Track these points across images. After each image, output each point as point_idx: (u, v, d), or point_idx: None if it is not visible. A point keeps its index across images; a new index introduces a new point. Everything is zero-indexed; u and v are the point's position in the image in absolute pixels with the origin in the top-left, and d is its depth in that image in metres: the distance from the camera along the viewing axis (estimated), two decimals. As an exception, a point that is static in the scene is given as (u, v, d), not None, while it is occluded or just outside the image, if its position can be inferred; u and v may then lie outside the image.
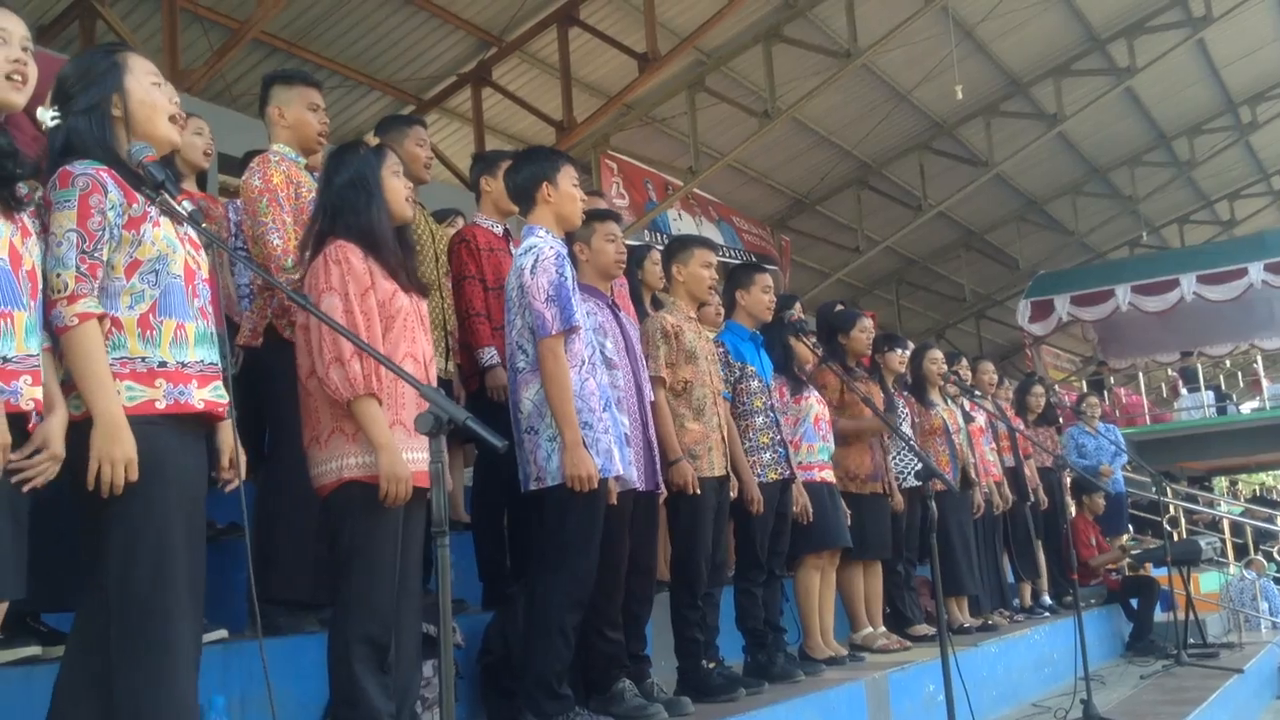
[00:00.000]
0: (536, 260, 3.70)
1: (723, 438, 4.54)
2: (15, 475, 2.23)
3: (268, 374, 3.73)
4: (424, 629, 3.36)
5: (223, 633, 3.53)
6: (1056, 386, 15.45)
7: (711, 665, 4.43)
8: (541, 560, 3.74)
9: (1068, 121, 16.07)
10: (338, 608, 3.03)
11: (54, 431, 2.30)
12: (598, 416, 3.69)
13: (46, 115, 2.53)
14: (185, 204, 2.43)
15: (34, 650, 3.04)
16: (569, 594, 3.64)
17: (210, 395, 2.55)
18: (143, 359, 2.44)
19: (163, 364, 2.47)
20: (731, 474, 4.64)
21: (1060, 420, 9.41)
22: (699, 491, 4.35)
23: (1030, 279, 17.80)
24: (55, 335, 2.38)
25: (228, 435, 2.66)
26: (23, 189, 2.34)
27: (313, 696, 3.32)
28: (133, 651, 2.35)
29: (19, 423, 2.26)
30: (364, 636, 2.94)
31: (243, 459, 2.68)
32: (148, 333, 2.46)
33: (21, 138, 2.54)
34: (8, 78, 2.36)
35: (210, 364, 2.56)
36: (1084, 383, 18.30)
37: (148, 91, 2.59)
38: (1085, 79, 15.79)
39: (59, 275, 2.38)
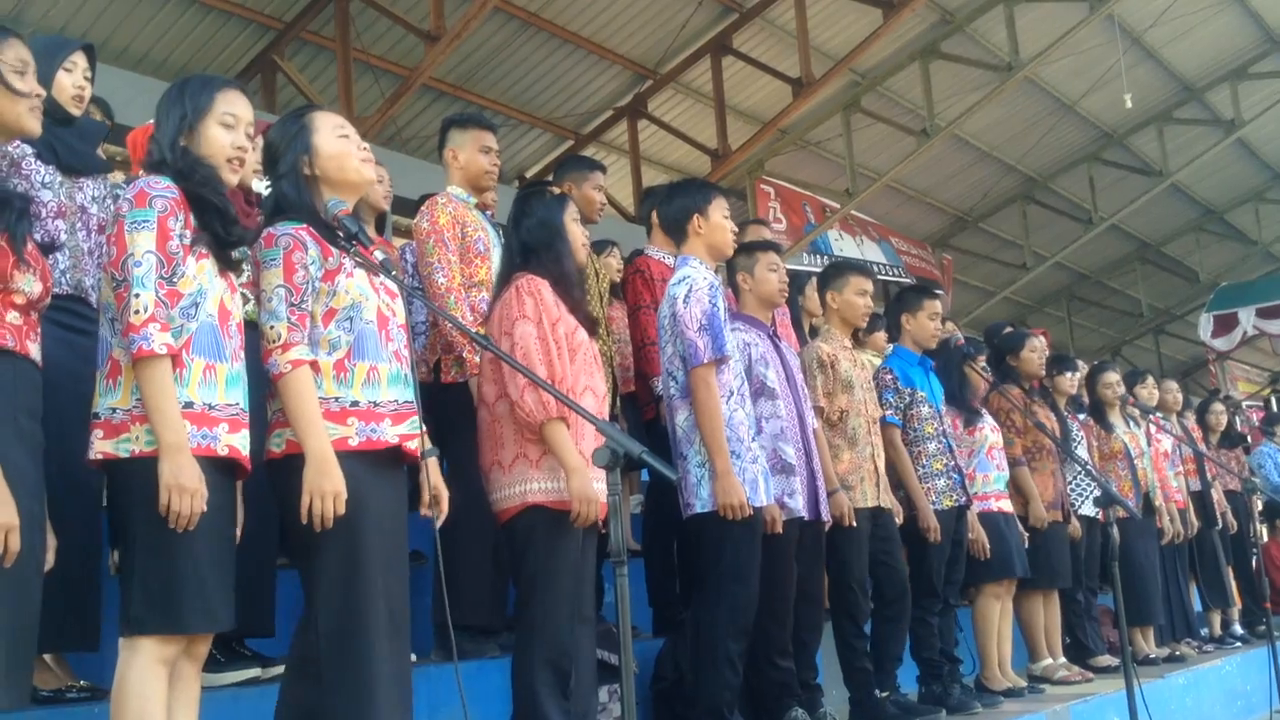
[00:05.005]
0: (690, 290, 3.76)
1: (875, 467, 4.49)
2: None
3: (440, 407, 3.87)
4: (598, 655, 3.44)
5: (410, 656, 3.68)
6: (1244, 404, 14.68)
7: (886, 695, 4.38)
8: (703, 590, 3.78)
9: (1247, 126, 15.29)
10: (520, 632, 3.14)
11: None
12: (745, 446, 3.72)
13: (261, 186, 2.73)
14: (377, 253, 2.57)
15: (254, 672, 3.24)
16: (731, 623, 3.66)
17: (405, 430, 2.66)
18: (336, 399, 2.59)
19: (355, 404, 2.61)
20: (895, 502, 4.58)
21: (1248, 440, 8.95)
22: (854, 523, 4.32)
23: (1212, 291, 16.96)
24: (272, 382, 2.56)
25: (430, 473, 2.76)
26: (237, 252, 2.54)
27: (496, 720, 3.42)
28: (340, 676, 2.49)
29: (221, 467, 2.43)
30: (546, 661, 3.04)
31: (445, 495, 2.79)
32: (342, 375, 2.61)
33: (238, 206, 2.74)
34: (228, 161, 2.54)
35: (405, 402, 2.69)
36: (1274, 399, 17.32)
37: (334, 144, 2.75)
38: (1264, 81, 15.01)
39: (272, 327, 2.56)
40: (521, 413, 3.09)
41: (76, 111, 3.13)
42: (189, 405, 2.36)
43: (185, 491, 2.25)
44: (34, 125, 2.37)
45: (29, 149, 2.91)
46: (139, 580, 2.30)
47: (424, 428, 2.73)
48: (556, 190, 3.59)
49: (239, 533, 2.53)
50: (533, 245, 3.31)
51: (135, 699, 2.28)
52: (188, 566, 2.31)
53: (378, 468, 2.63)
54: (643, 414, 4.57)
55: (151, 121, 3.61)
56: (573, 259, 3.34)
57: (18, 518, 2.05)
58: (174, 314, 2.36)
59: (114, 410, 2.34)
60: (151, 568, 2.30)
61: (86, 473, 2.80)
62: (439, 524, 2.76)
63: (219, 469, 2.41)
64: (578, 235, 3.38)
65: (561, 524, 3.07)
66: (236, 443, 2.44)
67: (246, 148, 2.57)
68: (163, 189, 2.40)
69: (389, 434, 2.64)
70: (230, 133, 2.54)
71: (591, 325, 3.37)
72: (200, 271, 2.42)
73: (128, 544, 2.35)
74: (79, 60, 3.15)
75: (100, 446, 2.33)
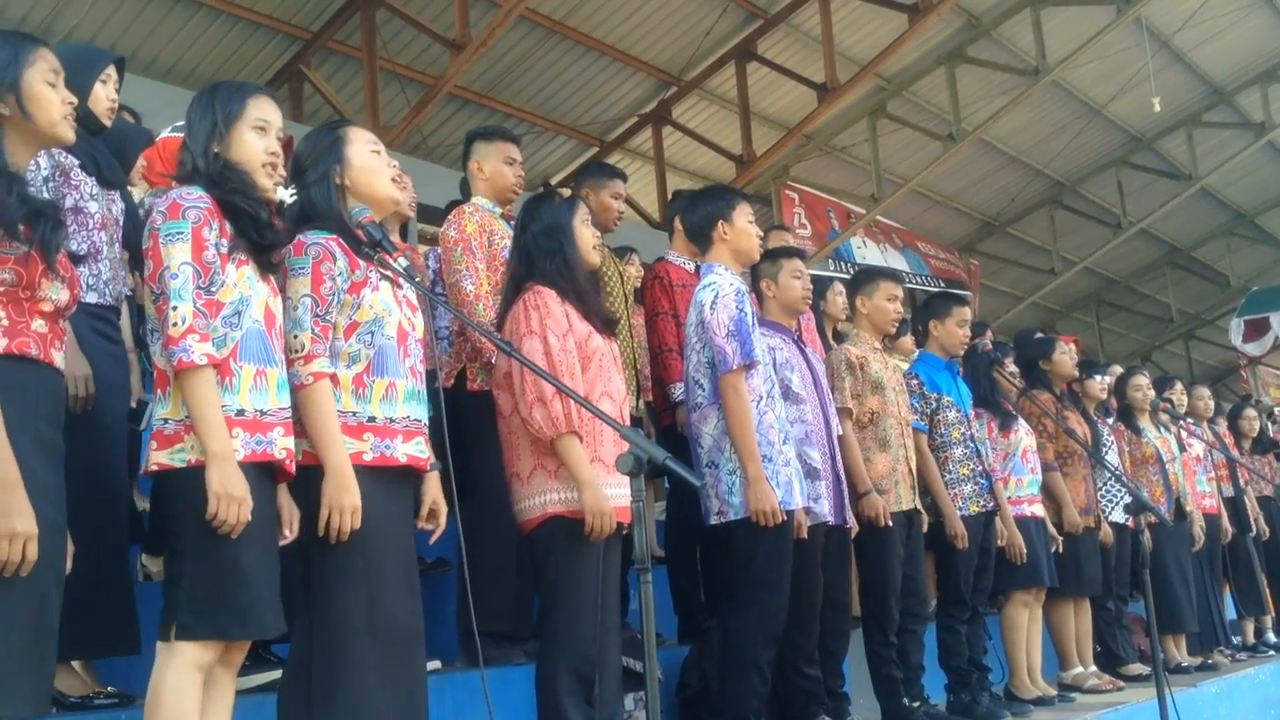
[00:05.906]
0: (716, 296, 3.75)
1: (910, 470, 4.46)
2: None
3: (463, 415, 3.87)
4: (623, 662, 3.43)
5: (436, 664, 3.68)
6: (1276, 410, 14.51)
7: (916, 704, 4.35)
8: (732, 596, 3.77)
9: (1277, 129, 15.14)
10: (543, 640, 3.13)
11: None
12: (777, 449, 3.71)
13: (285, 194, 2.74)
14: (400, 260, 2.58)
15: (276, 674, 3.24)
16: (761, 630, 3.65)
17: (413, 450, 2.67)
18: (354, 414, 2.59)
19: (372, 419, 2.61)
20: (921, 509, 4.55)
21: (1280, 446, 8.85)
22: (889, 524, 4.29)
23: (1243, 296, 16.79)
24: (292, 392, 2.55)
25: (430, 487, 2.78)
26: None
27: (521, 727, 3.41)
28: (327, 683, 2.50)
29: (267, 473, 2.43)
30: (569, 668, 3.03)
31: (443, 510, 2.80)
32: (360, 390, 2.61)
33: None
34: (263, 166, 2.54)
35: (416, 420, 2.69)
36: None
37: (367, 158, 2.76)
38: (1296, 83, 14.88)
39: (296, 336, 2.56)
40: (531, 429, 3.09)
41: (108, 123, 3.16)
42: (241, 413, 2.36)
43: (234, 500, 2.26)
44: (69, 133, 2.38)
45: (74, 160, 2.93)
46: (187, 587, 2.30)
47: (429, 442, 2.74)
48: (566, 193, 3.58)
49: (293, 535, 2.53)
50: (537, 252, 3.29)
51: (171, 704, 2.28)
52: (238, 573, 2.32)
53: (386, 482, 2.62)
54: (660, 420, 4.56)
55: (163, 136, 3.66)
56: (582, 263, 3.32)
57: (37, 527, 2.06)
58: (216, 324, 2.36)
59: (165, 421, 2.35)
60: (201, 575, 2.30)
61: (117, 479, 2.82)
62: (434, 540, 2.77)
63: (266, 475, 2.42)
64: (587, 238, 3.36)
65: (582, 533, 3.07)
66: (292, 446, 2.46)
67: (279, 152, 2.57)
68: (195, 199, 2.40)
69: (400, 452, 2.64)
70: (263, 137, 2.54)
71: (609, 327, 3.35)
72: (241, 278, 2.42)
73: (175, 551, 2.35)
74: (111, 72, 3.18)
75: (156, 458, 2.34)
